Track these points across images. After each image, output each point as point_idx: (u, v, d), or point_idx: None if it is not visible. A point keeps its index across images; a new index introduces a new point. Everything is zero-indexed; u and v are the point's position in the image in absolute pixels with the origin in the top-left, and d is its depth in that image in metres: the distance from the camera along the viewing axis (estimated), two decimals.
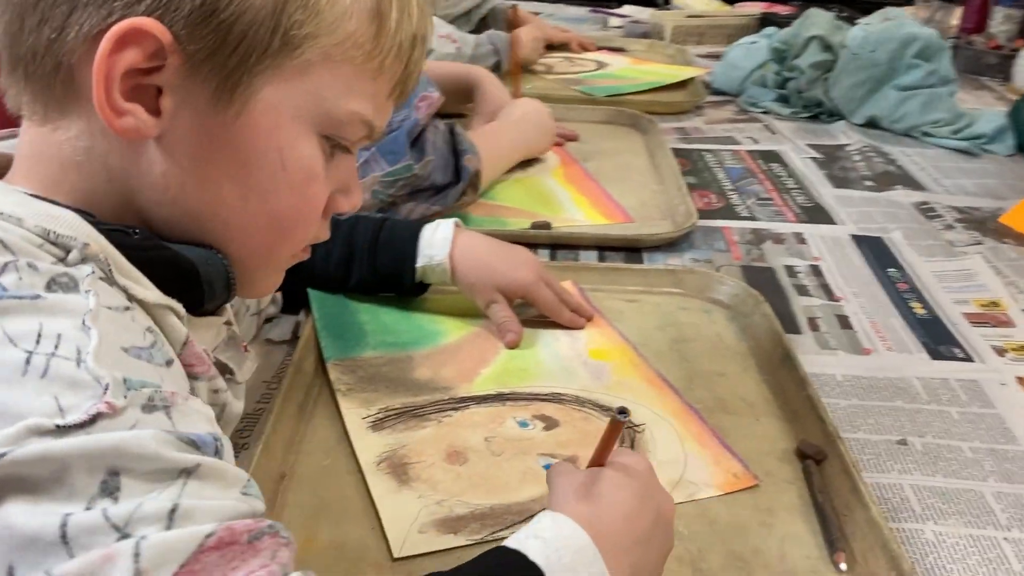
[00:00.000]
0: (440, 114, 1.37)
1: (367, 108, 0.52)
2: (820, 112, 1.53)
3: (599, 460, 0.55)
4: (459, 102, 1.38)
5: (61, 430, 0.36)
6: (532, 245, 1.02)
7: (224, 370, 0.57)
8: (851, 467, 0.65)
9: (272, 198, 0.51)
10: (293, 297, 0.83)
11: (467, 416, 0.71)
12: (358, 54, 0.50)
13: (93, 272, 0.43)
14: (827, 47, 1.50)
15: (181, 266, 0.50)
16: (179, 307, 0.49)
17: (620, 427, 0.53)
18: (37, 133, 0.49)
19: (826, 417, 0.70)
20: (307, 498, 0.62)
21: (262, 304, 0.79)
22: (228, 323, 0.60)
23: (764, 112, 1.56)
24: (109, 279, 0.44)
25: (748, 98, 1.60)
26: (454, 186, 1.03)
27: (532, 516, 0.59)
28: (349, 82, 0.51)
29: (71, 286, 0.41)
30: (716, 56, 1.81)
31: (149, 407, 0.39)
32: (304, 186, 0.52)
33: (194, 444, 0.39)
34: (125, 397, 0.38)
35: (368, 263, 0.82)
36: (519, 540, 0.47)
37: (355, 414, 0.70)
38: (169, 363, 0.45)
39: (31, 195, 0.46)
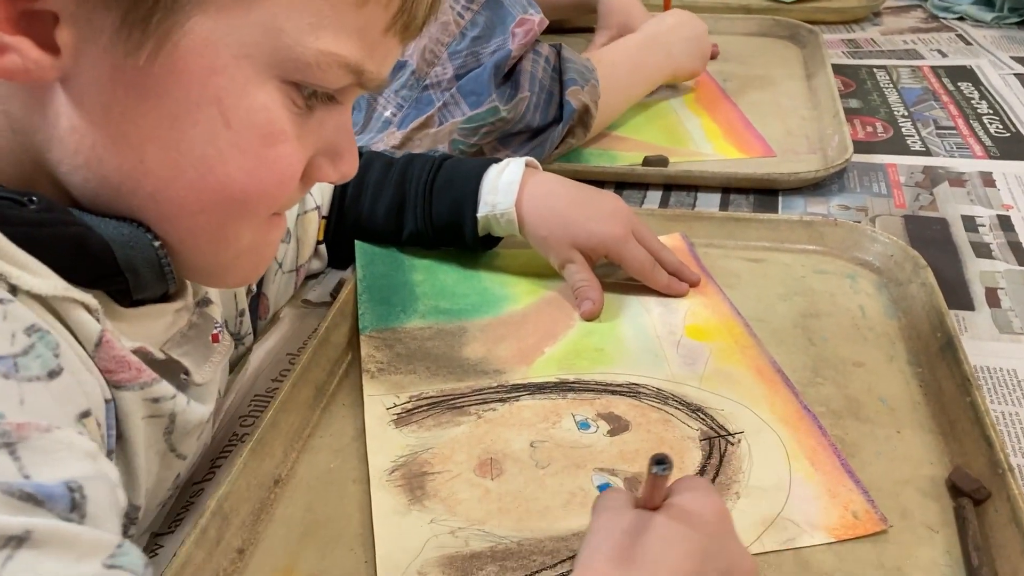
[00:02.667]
0: (561, 29, 1.22)
1: (348, 47, 0.39)
2: None
3: (649, 504, 0.40)
4: (582, 15, 1.21)
5: None
6: (642, 186, 0.86)
7: (180, 369, 0.45)
8: None
9: (217, 166, 0.39)
10: (341, 250, 0.72)
11: (515, 410, 0.57)
12: None
13: None
14: None
15: (90, 248, 0.39)
16: (87, 298, 0.38)
17: (661, 481, 0.39)
18: None
19: (993, 435, 0.51)
20: (298, 512, 0.50)
21: (302, 259, 0.68)
22: (204, 303, 0.48)
23: (959, 19, 1.29)
24: None
25: (940, 2, 1.33)
26: (556, 127, 0.85)
27: (568, 559, 0.46)
28: (318, 11, 0.37)
29: None
30: None
31: None
32: (261, 148, 0.39)
33: (33, 499, 0.29)
34: None
35: (423, 212, 0.68)
36: None
37: (379, 403, 0.57)
38: (52, 374, 0.34)
39: None
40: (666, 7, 1.09)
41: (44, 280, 0.36)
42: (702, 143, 0.94)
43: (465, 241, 0.69)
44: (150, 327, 0.44)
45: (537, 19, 0.84)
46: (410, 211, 0.69)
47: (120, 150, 0.38)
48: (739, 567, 0.39)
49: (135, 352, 0.41)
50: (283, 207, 0.44)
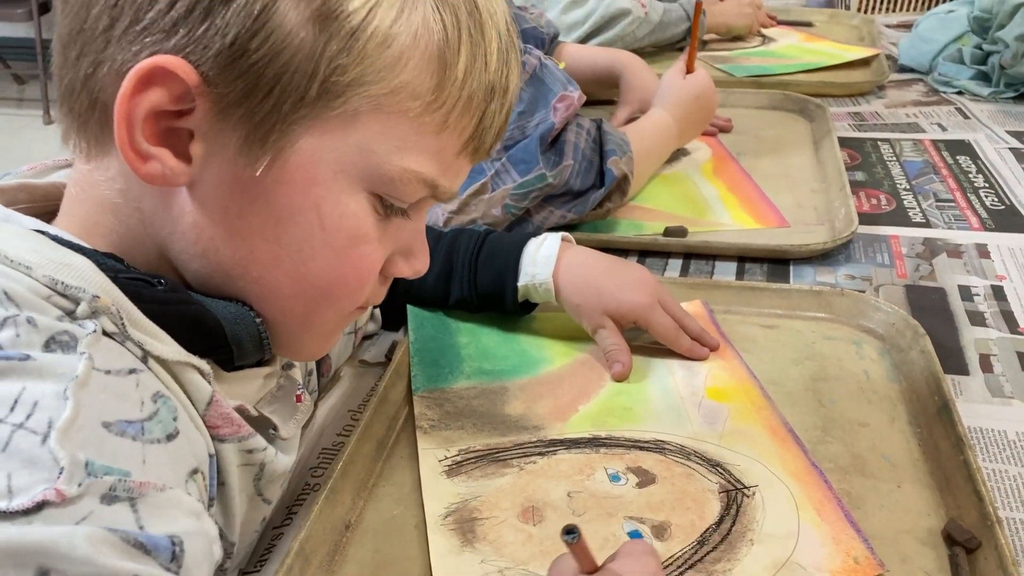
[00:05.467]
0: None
1: (427, 166, 0.46)
2: None
3: (587, 569, 0.45)
4: (604, 89, 1.30)
5: (3, 515, 0.32)
6: (664, 255, 0.93)
7: (269, 425, 0.53)
8: (1010, 564, 0.53)
9: (309, 260, 0.46)
10: (394, 313, 0.79)
11: (553, 463, 0.64)
12: (415, 105, 0.44)
13: (97, 330, 0.40)
14: None
15: (206, 323, 0.46)
16: (202, 364, 0.45)
17: (576, 548, 0.44)
18: (81, 171, 0.47)
19: (983, 491, 0.58)
20: (368, 554, 0.57)
21: (359, 322, 0.76)
22: (287, 366, 0.56)
23: (958, 93, 1.37)
24: (122, 333, 0.41)
25: (940, 76, 1.40)
26: (595, 191, 0.93)
27: None
28: (404, 136, 0.45)
29: (70, 345, 0.38)
30: (909, 26, 1.61)
31: (109, 497, 0.35)
32: (348, 249, 0.47)
33: (143, 548, 0.35)
34: (80, 485, 0.34)
35: (468, 281, 0.76)
36: None
37: (432, 456, 0.64)
38: (170, 437, 0.41)
39: (56, 238, 0.43)
40: (689, 70, 1.12)
41: (168, 347, 0.44)
42: (721, 213, 1.02)
43: (506, 307, 0.76)
44: (246, 388, 0.51)
45: (576, 95, 0.93)
46: (457, 280, 0.76)
47: (233, 242, 0.45)
48: None
49: (236, 409, 0.48)
50: (368, 301, 0.51)
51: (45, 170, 0.52)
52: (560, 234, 0.77)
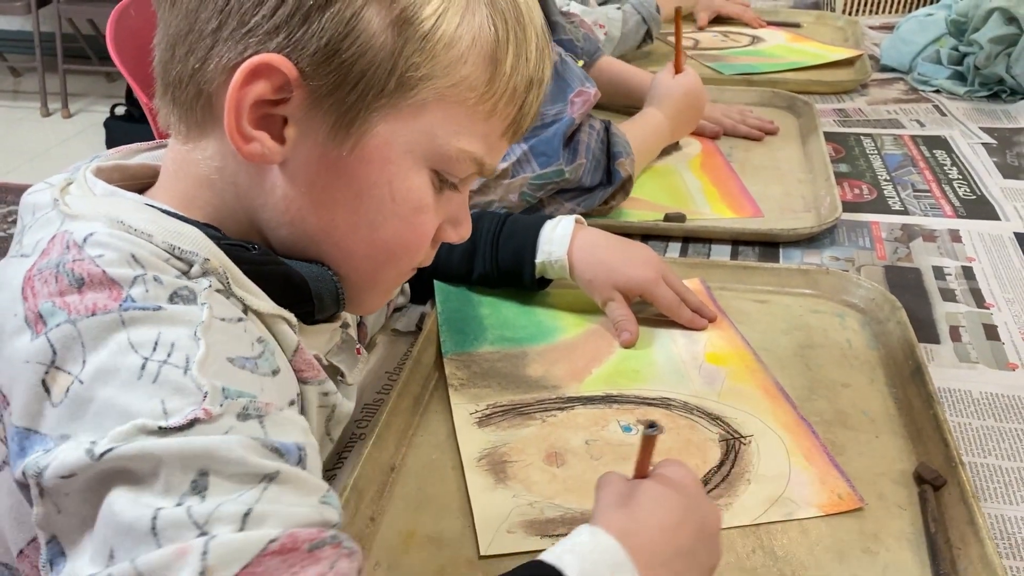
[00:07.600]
0: (605, 106, 1.36)
1: (478, 147, 0.54)
2: (1000, 90, 1.41)
3: (641, 472, 0.54)
4: (630, 102, 1.35)
5: (162, 431, 0.40)
6: (664, 238, 1.01)
7: (336, 372, 0.60)
8: (970, 496, 0.61)
9: (380, 226, 0.54)
10: (421, 288, 0.87)
11: (571, 417, 0.72)
12: (471, 96, 0.52)
13: (211, 286, 0.47)
14: (1011, 19, 1.37)
15: (293, 281, 0.54)
16: (291, 317, 0.53)
17: (652, 441, 0.52)
18: (179, 151, 0.54)
19: (949, 439, 0.66)
20: (412, 491, 0.65)
21: (391, 295, 0.83)
22: (344, 326, 0.63)
23: (936, 91, 1.46)
24: (227, 290, 0.49)
25: (919, 76, 1.49)
26: (603, 188, 1.02)
27: None
28: (461, 122, 0.53)
29: (191, 298, 0.46)
30: (891, 28, 1.69)
31: (243, 415, 0.42)
32: (411, 217, 0.55)
33: (278, 452, 0.42)
34: (221, 405, 0.42)
35: (490, 257, 0.84)
36: (556, 554, 0.47)
37: (464, 409, 0.72)
38: (275, 372, 0.48)
39: (163, 211, 0.51)
40: (677, 70, 1.19)
41: (264, 302, 0.51)
42: (702, 204, 1.09)
43: (524, 282, 0.84)
44: (318, 340, 0.59)
45: (592, 91, 1.01)
46: (480, 257, 0.84)
47: (318, 212, 0.53)
48: (710, 519, 0.53)
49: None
50: (420, 263, 0.59)
51: (131, 152, 0.60)
52: (574, 216, 0.84)
